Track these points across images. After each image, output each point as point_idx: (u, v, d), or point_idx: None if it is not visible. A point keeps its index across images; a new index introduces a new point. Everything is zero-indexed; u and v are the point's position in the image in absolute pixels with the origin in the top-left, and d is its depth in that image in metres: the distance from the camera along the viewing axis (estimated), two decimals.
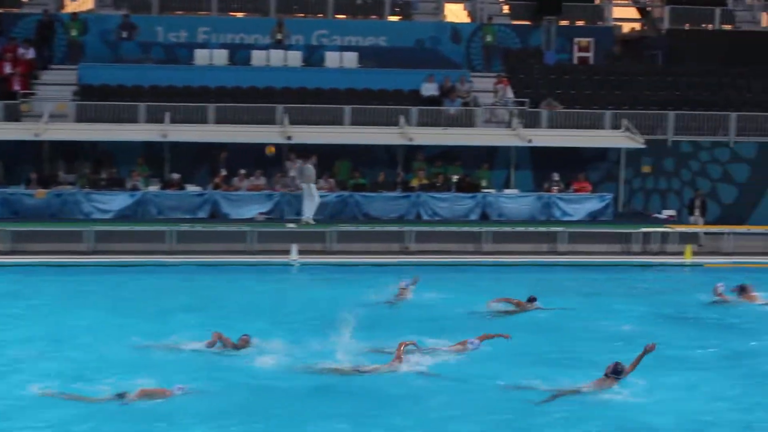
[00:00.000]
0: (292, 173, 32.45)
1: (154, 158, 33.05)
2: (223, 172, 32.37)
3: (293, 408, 15.73)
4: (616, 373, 16.30)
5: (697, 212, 33.90)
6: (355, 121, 34.08)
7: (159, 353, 18.50)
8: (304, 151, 32.58)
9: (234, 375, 17.29)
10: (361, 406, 15.84)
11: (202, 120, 33.48)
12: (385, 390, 16.60)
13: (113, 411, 15.11)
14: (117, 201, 31.47)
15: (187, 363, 17.83)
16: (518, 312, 22.53)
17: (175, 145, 32.83)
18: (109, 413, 15.04)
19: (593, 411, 15.63)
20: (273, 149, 31.06)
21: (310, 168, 31.19)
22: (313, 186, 31.19)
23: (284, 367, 17.68)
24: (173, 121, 32.92)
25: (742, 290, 23.77)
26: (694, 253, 30.79)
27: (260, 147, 32.16)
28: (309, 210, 31.08)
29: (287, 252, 28.76)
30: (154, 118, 33.17)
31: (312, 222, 30.91)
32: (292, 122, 33.37)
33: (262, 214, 31.61)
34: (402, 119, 33.84)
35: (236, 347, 18.61)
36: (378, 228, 31.10)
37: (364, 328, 19.08)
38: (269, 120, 33.65)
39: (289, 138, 32.44)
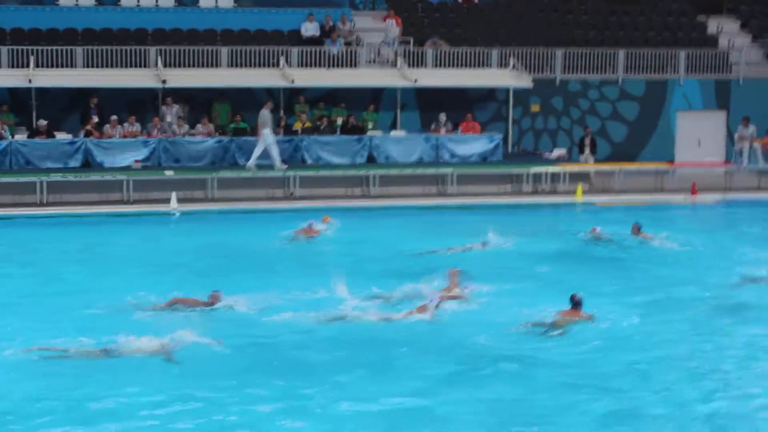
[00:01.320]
0: (169, 118, 31.03)
1: (20, 105, 31.30)
2: (95, 119, 30.72)
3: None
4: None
5: (587, 151, 33.63)
6: (233, 63, 32.67)
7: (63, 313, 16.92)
8: (179, 94, 31.37)
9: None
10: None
11: (70, 64, 31.79)
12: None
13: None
14: None
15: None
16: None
17: (43, 92, 31.09)
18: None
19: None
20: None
21: (266, 114, 29.79)
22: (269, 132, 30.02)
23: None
24: (39, 65, 31.26)
25: (636, 229, 23.57)
26: (585, 192, 30.44)
27: (133, 91, 30.81)
28: (276, 156, 30.04)
29: (167, 201, 27.74)
30: (18, 62, 31.38)
31: (283, 167, 29.95)
32: (167, 65, 31.93)
33: (138, 161, 30.09)
34: (282, 60, 32.52)
35: (207, 305, 17.04)
36: (261, 174, 29.87)
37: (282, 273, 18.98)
38: (142, 63, 32.10)
39: (164, 82, 30.97)
